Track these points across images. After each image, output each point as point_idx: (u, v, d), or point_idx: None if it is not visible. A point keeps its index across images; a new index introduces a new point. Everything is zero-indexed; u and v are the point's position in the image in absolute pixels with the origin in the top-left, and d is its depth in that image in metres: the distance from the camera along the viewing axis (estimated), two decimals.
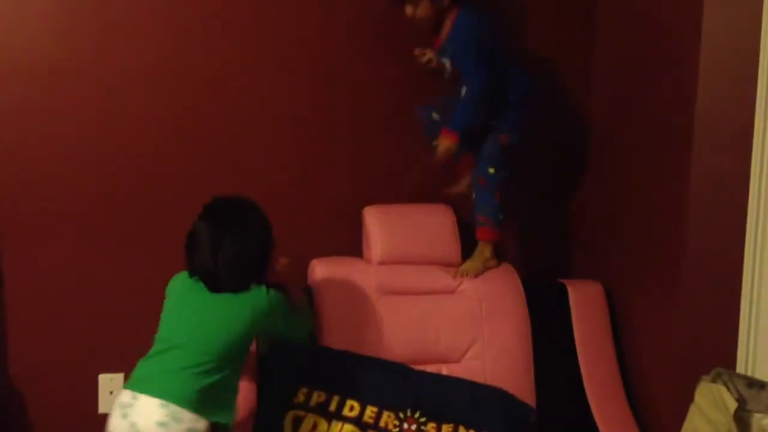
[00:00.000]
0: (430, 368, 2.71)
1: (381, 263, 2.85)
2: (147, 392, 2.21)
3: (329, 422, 2.49)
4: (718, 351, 2.51)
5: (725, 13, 2.46)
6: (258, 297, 2.37)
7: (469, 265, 2.89)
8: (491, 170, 2.86)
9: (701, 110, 2.51)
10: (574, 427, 2.76)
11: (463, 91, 2.75)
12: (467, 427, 2.55)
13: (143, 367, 2.31)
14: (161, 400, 2.19)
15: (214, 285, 2.35)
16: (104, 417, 2.85)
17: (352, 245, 2.96)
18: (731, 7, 2.46)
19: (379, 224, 2.89)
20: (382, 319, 2.74)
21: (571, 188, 3.23)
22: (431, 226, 2.94)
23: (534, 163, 3.17)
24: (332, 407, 2.51)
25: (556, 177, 3.22)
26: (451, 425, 2.55)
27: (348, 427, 2.49)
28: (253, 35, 2.94)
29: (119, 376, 2.91)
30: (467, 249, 2.94)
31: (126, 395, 2.25)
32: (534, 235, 3.22)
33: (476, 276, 2.86)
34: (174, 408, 2.18)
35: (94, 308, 2.91)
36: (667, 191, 2.69)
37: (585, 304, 2.93)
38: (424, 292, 2.82)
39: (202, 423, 2.21)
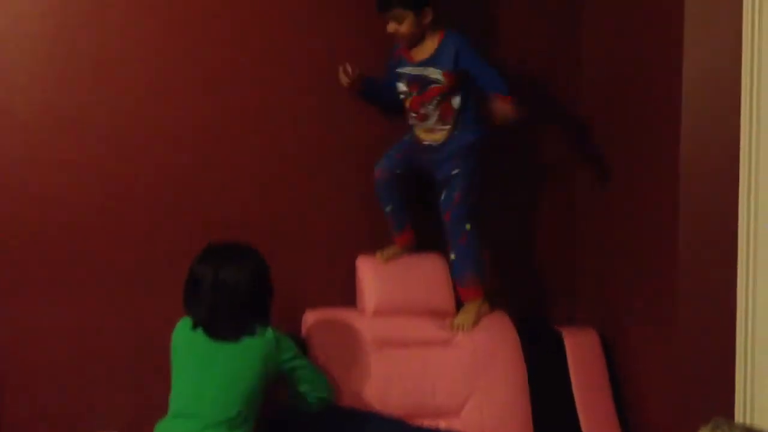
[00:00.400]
0: (427, 422, 2.69)
1: (375, 314, 2.84)
2: None
3: None
4: (716, 399, 2.50)
5: (706, 38, 2.50)
6: (264, 339, 2.36)
7: (464, 318, 2.88)
8: (468, 227, 2.87)
9: (685, 160, 2.53)
10: None
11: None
12: None
13: (165, 429, 2.30)
14: None
15: (215, 333, 2.34)
16: None
17: (346, 294, 2.95)
18: (711, 28, 2.49)
19: (372, 274, 2.88)
20: (377, 372, 2.72)
21: (566, 234, 3.22)
22: (425, 275, 2.93)
23: (527, 209, 3.18)
24: None
25: (549, 223, 3.22)
26: None
27: None
28: (249, 89, 2.95)
29: None
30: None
31: None
32: (528, 281, 3.21)
33: (472, 328, 2.85)
34: None
35: (86, 364, 2.87)
36: (659, 239, 2.69)
37: (581, 351, 2.92)
38: (419, 343, 2.80)
39: None
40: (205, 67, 2.92)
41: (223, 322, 2.35)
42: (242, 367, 2.34)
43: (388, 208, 2.93)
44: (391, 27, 2.77)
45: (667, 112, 2.61)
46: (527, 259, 3.21)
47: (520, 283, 3.20)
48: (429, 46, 2.82)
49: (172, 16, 2.89)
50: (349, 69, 2.87)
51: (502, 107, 2.76)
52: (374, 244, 2.99)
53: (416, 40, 2.81)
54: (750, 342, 2.48)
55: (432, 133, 2.86)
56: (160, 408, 2.47)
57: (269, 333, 2.39)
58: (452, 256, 2.91)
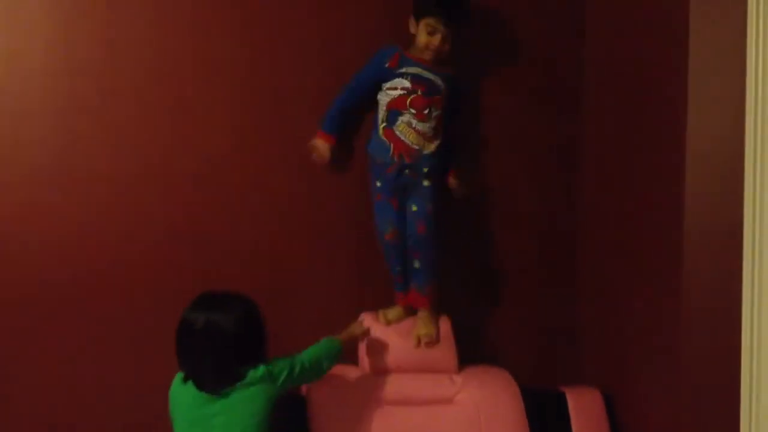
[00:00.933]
0: None
1: (376, 372, 2.82)
2: None
3: None
4: None
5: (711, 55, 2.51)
6: (256, 377, 2.35)
7: (428, 329, 2.88)
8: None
9: (689, 226, 2.54)
10: None
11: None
12: None
13: None
14: None
15: (201, 386, 2.33)
16: None
17: (347, 352, 2.91)
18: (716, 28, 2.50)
19: (374, 332, 2.87)
20: (378, 430, 2.68)
21: (568, 294, 3.21)
22: None
23: (528, 266, 3.18)
24: None
25: (552, 281, 3.21)
26: None
27: None
28: (248, 151, 2.99)
29: None
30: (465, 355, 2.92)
31: None
32: (530, 339, 3.19)
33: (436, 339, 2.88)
34: None
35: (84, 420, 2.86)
36: (660, 297, 2.68)
37: (585, 412, 2.88)
38: (421, 402, 2.77)
39: None
40: (204, 134, 2.96)
41: (208, 373, 2.33)
42: (242, 414, 2.32)
43: (398, 268, 2.92)
44: (437, 40, 2.82)
45: (669, 170, 2.63)
46: (528, 316, 3.19)
47: (521, 341, 3.17)
48: (443, 61, 2.88)
49: (177, 90, 2.94)
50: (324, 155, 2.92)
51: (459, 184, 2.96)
52: (376, 300, 2.98)
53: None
54: (755, 402, 2.45)
55: (425, 139, 2.87)
56: None
57: (260, 370, 2.37)
58: (416, 265, 2.90)
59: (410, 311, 2.94)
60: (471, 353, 3.00)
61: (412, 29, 2.88)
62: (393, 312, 2.93)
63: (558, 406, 2.88)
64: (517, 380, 2.90)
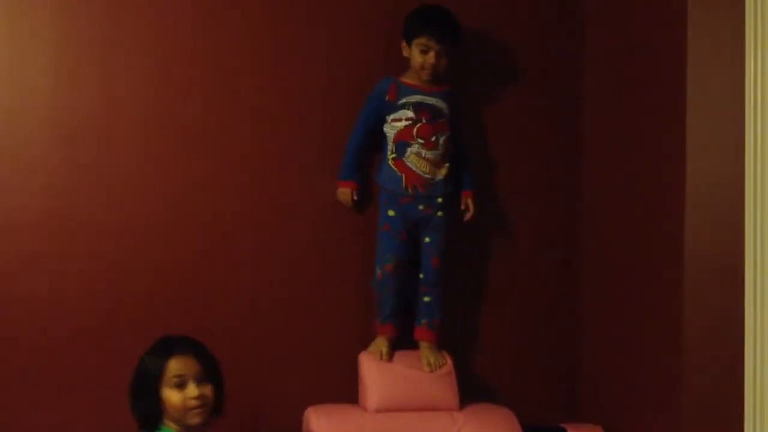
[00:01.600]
0: None
1: (378, 411, 2.80)
2: None
3: None
4: None
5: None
6: None
7: (436, 358, 2.89)
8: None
9: (690, 238, 2.54)
10: None
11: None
12: None
13: None
14: None
15: None
16: None
17: (348, 391, 2.91)
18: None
19: (375, 371, 2.85)
20: None
21: (568, 329, 3.21)
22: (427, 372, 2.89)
23: (529, 298, 3.18)
24: None
25: (550, 316, 3.20)
26: None
27: None
28: (242, 185, 2.98)
29: None
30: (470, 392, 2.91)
31: None
32: (531, 377, 3.18)
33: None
34: None
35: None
36: (662, 330, 2.68)
37: None
38: None
39: None
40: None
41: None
42: None
43: (393, 302, 2.91)
44: (432, 58, 2.84)
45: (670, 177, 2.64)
46: (528, 352, 3.18)
47: (521, 377, 3.16)
48: (439, 82, 2.91)
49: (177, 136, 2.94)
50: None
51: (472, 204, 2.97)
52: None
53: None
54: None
55: (436, 167, 2.89)
56: None
57: None
58: (426, 299, 2.92)
59: (392, 342, 2.93)
60: (472, 391, 2.98)
61: (405, 53, 2.91)
62: (384, 345, 2.90)
63: None
64: (518, 417, 2.87)
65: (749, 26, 2.48)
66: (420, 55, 2.85)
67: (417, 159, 2.86)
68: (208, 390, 2.29)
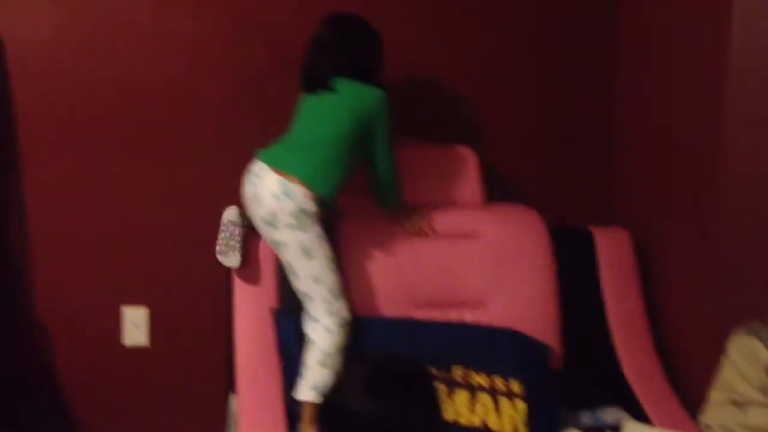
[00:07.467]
0: (452, 313, 2.66)
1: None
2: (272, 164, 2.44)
3: None
4: (753, 303, 2.43)
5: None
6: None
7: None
8: None
9: (735, 52, 2.42)
10: (601, 377, 2.71)
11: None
12: (477, 372, 2.51)
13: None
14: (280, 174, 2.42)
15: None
16: (128, 349, 2.88)
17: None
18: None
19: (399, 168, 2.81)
20: (402, 262, 2.66)
21: (599, 132, 3.13)
22: (451, 167, 2.86)
23: (558, 109, 3.10)
24: None
25: (581, 121, 3.12)
26: (462, 367, 2.51)
27: None
28: None
29: (142, 310, 2.91)
30: None
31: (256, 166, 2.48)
32: (559, 181, 3.13)
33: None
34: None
35: (118, 240, 2.89)
36: (700, 132, 2.60)
37: (612, 251, 2.86)
38: (445, 234, 2.72)
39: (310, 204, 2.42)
40: None
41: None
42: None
43: None
44: None
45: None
46: (562, 160, 3.12)
47: (554, 185, 3.12)
48: None
49: None
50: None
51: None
52: None
53: None
54: None
55: None
56: None
57: None
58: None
59: None
60: (500, 193, 2.96)
61: None
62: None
63: (585, 244, 2.86)
64: (545, 219, 2.83)
65: None
66: None
67: None
68: None
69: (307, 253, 2.45)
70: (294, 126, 2.57)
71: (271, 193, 2.43)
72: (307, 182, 2.43)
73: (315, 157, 2.46)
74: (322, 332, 2.46)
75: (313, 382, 2.43)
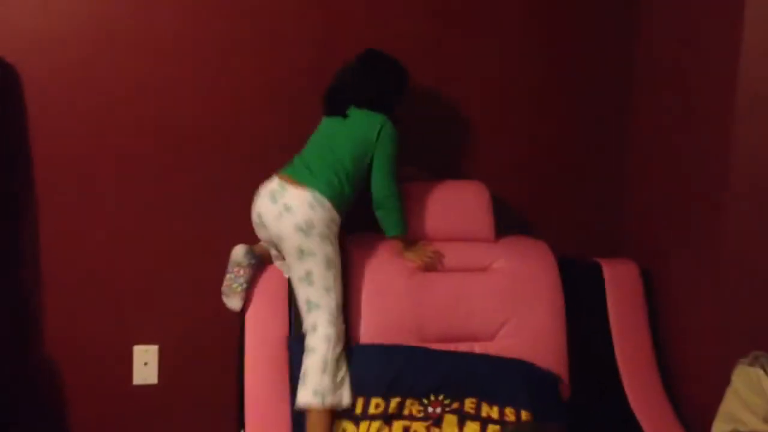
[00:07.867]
0: (462, 346, 2.69)
1: (414, 238, 2.81)
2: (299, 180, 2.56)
3: (357, 425, 2.49)
4: (756, 333, 2.46)
5: None
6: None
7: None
8: None
9: (742, 88, 2.45)
10: (608, 409, 2.73)
11: None
12: (490, 404, 2.53)
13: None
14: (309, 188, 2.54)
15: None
16: (138, 388, 2.90)
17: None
18: None
19: (411, 202, 2.84)
20: (413, 297, 2.70)
21: (609, 165, 3.17)
22: (463, 202, 2.89)
23: (566, 142, 3.14)
24: (358, 410, 2.52)
25: (593, 150, 3.17)
26: (474, 400, 2.53)
27: (375, 424, 2.48)
28: None
29: (154, 348, 2.94)
30: None
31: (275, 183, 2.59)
32: (569, 213, 3.17)
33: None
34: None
35: (130, 279, 2.92)
36: (708, 165, 2.63)
37: (620, 283, 2.89)
38: (456, 269, 2.78)
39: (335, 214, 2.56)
40: None
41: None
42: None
43: None
44: None
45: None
46: (571, 191, 3.16)
47: (562, 217, 3.16)
48: None
49: None
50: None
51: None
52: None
53: None
54: None
55: None
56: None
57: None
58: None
59: None
60: (509, 225, 3.00)
61: None
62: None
63: (594, 276, 2.89)
64: (554, 251, 2.88)
65: None
66: None
67: None
68: None
69: (329, 263, 2.55)
70: (309, 145, 2.70)
71: (306, 202, 2.54)
72: (328, 196, 2.55)
73: (330, 175, 2.59)
74: (323, 339, 2.52)
75: (314, 388, 2.48)
